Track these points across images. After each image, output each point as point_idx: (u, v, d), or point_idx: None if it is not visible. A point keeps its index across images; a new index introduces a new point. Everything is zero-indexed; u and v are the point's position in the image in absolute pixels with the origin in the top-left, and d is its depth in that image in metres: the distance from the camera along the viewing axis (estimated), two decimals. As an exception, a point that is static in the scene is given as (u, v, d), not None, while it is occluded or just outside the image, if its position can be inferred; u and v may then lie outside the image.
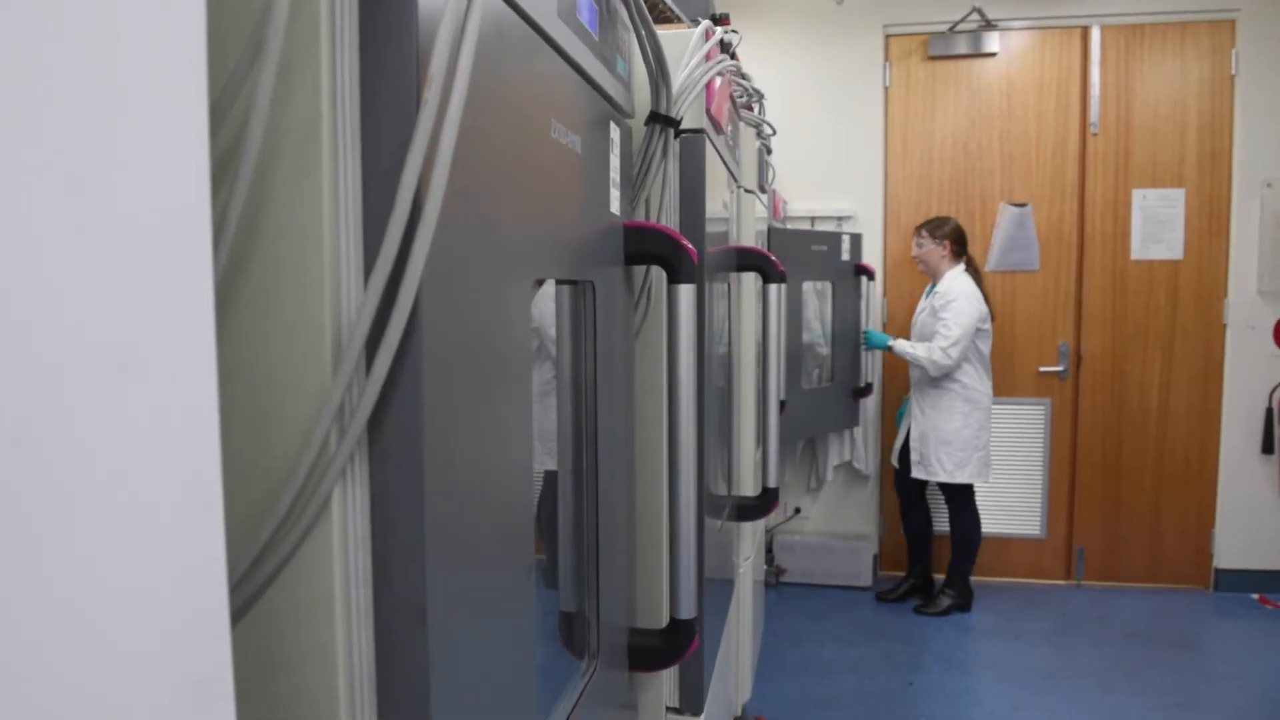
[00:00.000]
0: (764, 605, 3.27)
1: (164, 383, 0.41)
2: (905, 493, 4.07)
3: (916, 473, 3.87)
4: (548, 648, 1.14)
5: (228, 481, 0.62)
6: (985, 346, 3.79)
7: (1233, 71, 3.98)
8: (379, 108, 0.58)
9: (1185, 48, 4.01)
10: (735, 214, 2.00)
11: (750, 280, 2.12)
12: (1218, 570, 4.15)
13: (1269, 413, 4.00)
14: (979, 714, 3.10)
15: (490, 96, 0.69)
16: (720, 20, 2.26)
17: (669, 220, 1.37)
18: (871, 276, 4.15)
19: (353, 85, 0.58)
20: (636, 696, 1.36)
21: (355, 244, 0.59)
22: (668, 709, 1.45)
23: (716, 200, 1.62)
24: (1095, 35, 4.07)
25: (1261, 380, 4.02)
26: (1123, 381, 4.20)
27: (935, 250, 3.83)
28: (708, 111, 1.38)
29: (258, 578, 0.60)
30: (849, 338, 4.07)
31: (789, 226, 4.20)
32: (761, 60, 4.26)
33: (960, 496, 3.89)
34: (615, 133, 1.16)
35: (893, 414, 4.31)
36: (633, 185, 1.28)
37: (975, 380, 3.77)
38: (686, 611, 1.25)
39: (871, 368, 4.32)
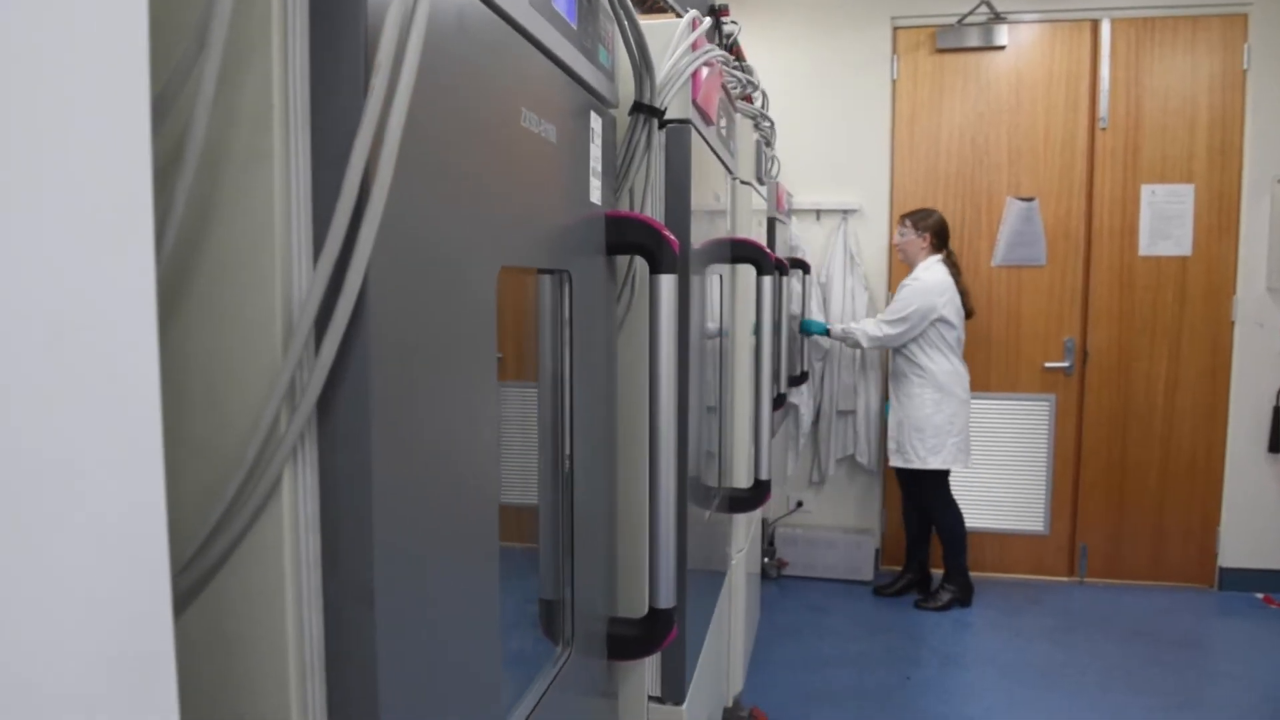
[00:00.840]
0: (760, 598, 3.27)
1: (101, 362, 0.41)
2: (906, 488, 4.07)
3: (894, 461, 3.92)
4: (526, 634, 1.15)
5: (180, 462, 0.63)
6: (952, 337, 3.80)
7: (1244, 66, 3.93)
8: (328, 96, 0.59)
9: (1196, 41, 3.97)
10: (730, 205, 2.00)
11: (746, 272, 2.12)
12: (1222, 569, 4.12)
13: (1276, 411, 3.97)
14: (976, 710, 3.09)
15: (448, 84, 0.69)
16: (719, 11, 2.25)
17: (654, 211, 1.37)
18: (785, 271, 4.05)
19: (303, 74, 0.59)
20: (617, 685, 1.36)
21: (306, 229, 0.60)
22: (650, 698, 1.46)
23: (706, 191, 1.62)
24: (1105, 29, 4.03)
25: (1269, 378, 3.98)
26: (1129, 378, 4.17)
27: (915, 241, 3.86)
28: (694, 102, 1.37)
29: (209, 558, 0.61)
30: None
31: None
32: (768, 52, 4.25)
33: (935, 487, 3.90)
34: (596, 122, 1.16)
35: (896, 408, 4.30)
36: (616, 175, 1.28)
37: (944, 367, 3.79)
38: (665, 601, 1.26)
39: (809, 357, 4.34)
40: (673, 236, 1.21)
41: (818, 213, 4.40)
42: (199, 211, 0.61)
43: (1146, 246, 4.09)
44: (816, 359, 4.36)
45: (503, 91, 0.82)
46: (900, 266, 4.36)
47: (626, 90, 1.29)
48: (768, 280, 2.02)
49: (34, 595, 0.36)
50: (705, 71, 1.39)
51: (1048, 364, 4.23)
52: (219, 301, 0.61)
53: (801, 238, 4.31)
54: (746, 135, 2.16)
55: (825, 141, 4.32)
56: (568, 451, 1.10)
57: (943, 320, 3.76)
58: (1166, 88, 4.01)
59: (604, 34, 1.17)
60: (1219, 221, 4.02)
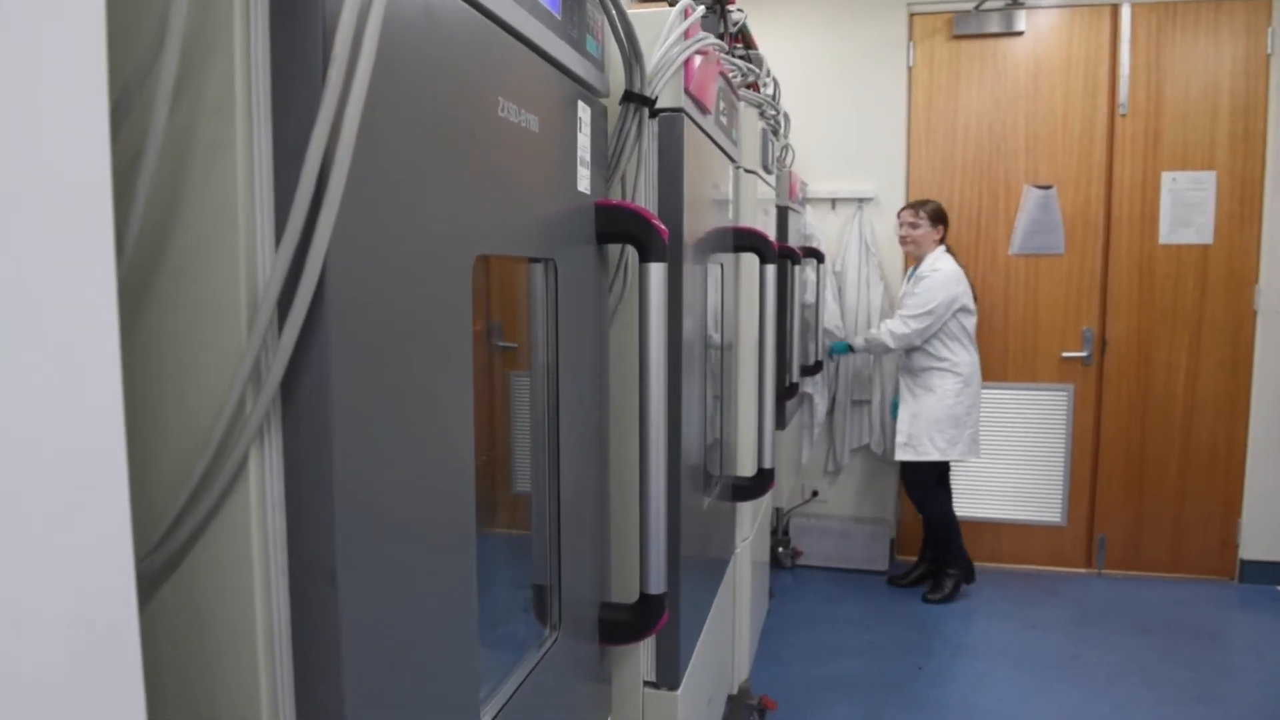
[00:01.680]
0: (773, 587, 3.27)
1: (61, 348, 0.43)
2: (909, 480, 4.03)
3: (903, 455, 3.82)
4: (515, 617, 1.17)
5: (153, 444, 0.65)
6: (971, 325, 3.77)
7: (1268, 50, 3.85)
8: (288, 88, 0.60)
9: (1219, 26, 3.89)
10: (733, 194, 2.00)
11: (750, 261, 2.12)
12: (1243, 561, 4.06)
13: (1299, 401, 3.90)
14: (987, 701, 3.08)
15: (415, 75, 0.71)
16: (725, 0, 2.25)
17: (647, 199, 1.37)
18: (798, 260, 3.88)
19: (264, 67, 0.60)
20: (611, 669, 1.38)
21: (269, 216, 0.61)
22: (645, 683, 1.47)
23: (704, 180, 1.62)
24: (1125, 13, 3.96)
25: (1292, 368, 3.92)
26: (1149, 368, 4.12)
27: (930, 234, 3.80)
28: (687, 90, 1.38)
29: (179, 537, 0.63)
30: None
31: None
32: (783, 41, 4.23)
33: (938, 478, 3.88)
34: (585, 112, 1.17)
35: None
36: (607, 164, 1.29)
37: (965, 358, 3.74)
38: (656, 587, 1.27)
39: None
40: (662, 225, 1.22)
41: (833, 201, 4.38)
42: (166, 200, 0.62)
43: (1167, 234, 4.03)
44: (831, 349, 4.34)
45: (477, 82, 0.83)
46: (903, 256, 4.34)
47: (619, 80, 1.30)
48: (770, 269, 2.02)
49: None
50: (698, 60, 1.39)
51: (1066, 353, 4.19)
52: (188, 288, 0.63)
53: (817, 227, 4.29)
54: (751, 124, 2.15)
55: (841, 130, 4.29)
56: (555, 438, 1.11)
57: (964, 309, 3.73)
58: (1188, 73, 3.94)
59: (592, 24, 1.18)
60: (1241, 209, 3.95)
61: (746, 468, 2.14)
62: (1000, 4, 4.07)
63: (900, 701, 3.08)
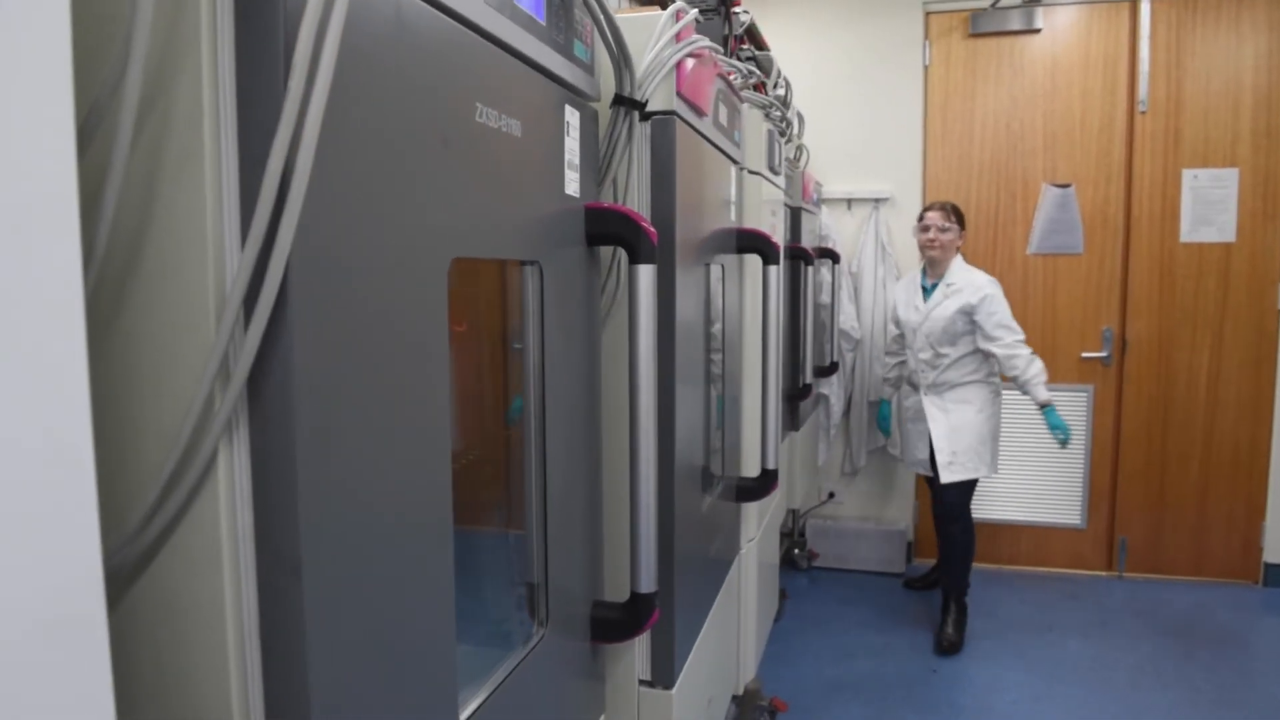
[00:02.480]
0: (778, 588, 3.27)
1: (28, 351, 0.45)
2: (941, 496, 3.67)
3: (950, 475, 3.46)
4: (505, 613, 1.19)
5: (129, 442, 0.67)
6: None
7: (1293, 44, 3.79)
8: (252, 98, 0.62)
9: (1240, 20, 3.83)
10: (736, 196, 2.00)
11: (754, 262, 2.12)
12: (1267, 565, 3.99)
13: (1325, 402, 3.83)
14: (1000, 703, 3.06)
15: (384, 82, 0.72)
16: (730, 2, 2.26)
17: (639, 202, 1.39)
18: (810, 261, 3.54)
19: (230, 79, 0.62)
20: (604, 667, 1.39)
21: (235, 221, 0.63)
22: (640, 681, 1.48)
23: (701, 182, 1.63)
24: (1145, 9, 3.92)
25: (1318, 368, 3.85)
26: (1170, 368, 4.06)
27: (956, 239, 3.49)
28: (679, 93, 1.39)
29: (151, 531, 0.65)
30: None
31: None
32: (797, 41, 4.23)
33: (970, 495, 3.57)
34: (573, 116, 1.18)
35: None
36: (598, 167, 1.30)
37: (993, 367, 3.51)
38: (646, 586, 1.28)
39: (839, 347, 4.19)
40: (651, 227, 1.23)
41: (849, 202, 4.37)
42: (140, 207, 0.65)
43: (1188, 233, 3.98)
44: (848, 349, 4.33)
45: (452, 88, 0.84)
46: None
47: (610, 84, 1.31)
48: (774, 270, 2.03)
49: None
50: (691, 63, 1.40)
51: (1085, 354, 4.15)
52: (162, 290, 0.65)
53: (832, 227, 4.28)
54: (755, 126, 2.16)
55: (856, 130, 4.28)
56: (542, 437, 1.12)
57: None
58: (1209, 68, 3.88)
59: (581, 29, 1.19)
60: (1264, 207, 3.89)
61: (751, 469, 2.15)
62: (1017, 1, 4.03)
63: (913, 703, 3.07)
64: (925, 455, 3.60)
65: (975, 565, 3.78)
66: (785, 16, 4.27)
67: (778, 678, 3.24)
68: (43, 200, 0.45)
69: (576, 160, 1.19)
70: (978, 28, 4.12)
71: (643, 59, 1.31)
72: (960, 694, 3.13)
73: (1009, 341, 3.39)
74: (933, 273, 3.56)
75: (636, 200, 1.39)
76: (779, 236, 2.67)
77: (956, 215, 3.51)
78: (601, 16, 1.17)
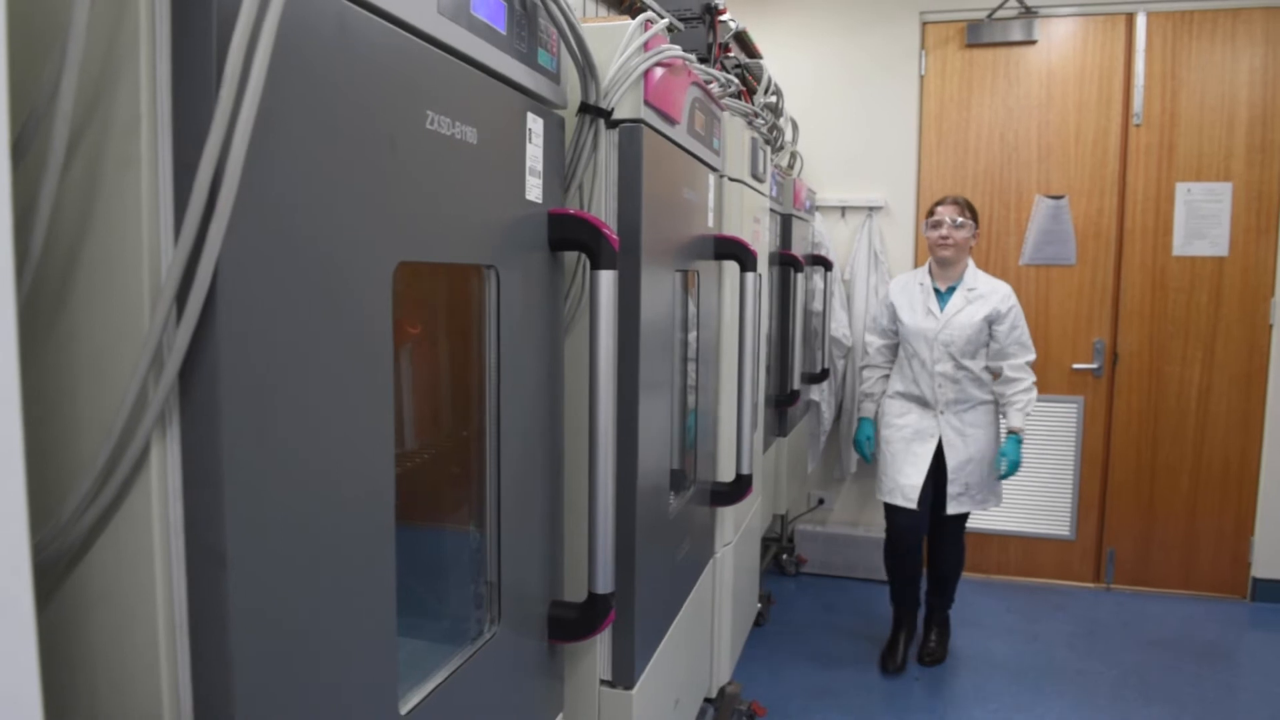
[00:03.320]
0: (758, 592, 3.28)
1: None
2: (923, 533, 3.34)
3: (958, 506, 3.21)
4: (458, 610, 1.21)
5: (68, 435, 0.69)
6: None
7: (1288, 60, 3.80)
8: (186, 107, 0.64)
9: (1236, 35, 3.84)
10: (715, 202, 2.02)
11: (734, 269, 2.14)
12: (1255, 580, 4.00)
13: (1315, 418, 3.83)
14: (980, 713, 3.07)
15: (325, 91, 0.75)
16: (716, 11, 2.28)
17: (605, 208, 1.41)
18: (800, 268, 3.56)
19: (166, 88, 0.65)
20: (565, 666, 1.41)
21: (170, 225, 0.66)
22: (601, 681, 1.50)
23: (673, 188, 1.65)
24: (1141, 22, 3.93)
25: (1309, 384, 3.85)
26: (1160, 381, 4.07)
27: (971, 237, 3.15)
28: (646, 101, 1.41)
29: (84, 523, 0.67)
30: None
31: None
32: (794, 49, 4.26)
33: (966, 518, 3.40)
34: (536, 123, 1.20)
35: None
36: (564, 174, 1.32)
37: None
38: (603, 586, 1.30)
39: (830, 355, 4.17)
40: (612, 233, 1.25)
41: (843, 210, 4.38)
42: (81, 210, 0.67)
43: (1181, 246, 3.99)
44: (839, 356, 4.34)
45: (400, 97, 0.86)
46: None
47: (579, 92, 1.33)
48: (750, 277, 2.04)
49: None
50: (659, 72, 1.42)
51: (1076, 365, 4.15)
52: (103, 289, 0.67)
53: (826, 235, 4.30)
54: (736, 133, 2.18)
55: (851, 138, 4.30)
56: (496, 438, 1.14)
57: None
58: (1204, 82, 3.89)
59: (546, 38, 1.21)
60: (1258, 222, 3.89)
61: (728, 474, 2.16)
62: (1013, 13, 4.05)
63: (893, 711, 3.08)
64: (917, 481, 3.20)
65: (963, 575, 3.77)
66: (783, 24, 4.30)
67: (759, 682, 3.25)
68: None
69: (539, 166, 1.21)
70: (974, 38, 4.13)
71: (609, 67, 1.33)
72: (941, 703, 3.14)
73: (1022, 364, 3.14)
74: (943, 275, 3.21)
75: (604, 206, 1.41)
76: (764, 243, 2.69)
77: (970, 211, 3.17)
78: (566, 26, 1.19)
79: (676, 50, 1.47)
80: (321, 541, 0.77)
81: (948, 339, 3.14)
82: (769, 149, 2.64)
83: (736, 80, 2.03)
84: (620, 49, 1.35)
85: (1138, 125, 3.99)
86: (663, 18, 1.48)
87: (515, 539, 1.19)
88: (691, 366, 1.96)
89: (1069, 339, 4.16)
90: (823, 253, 4.15)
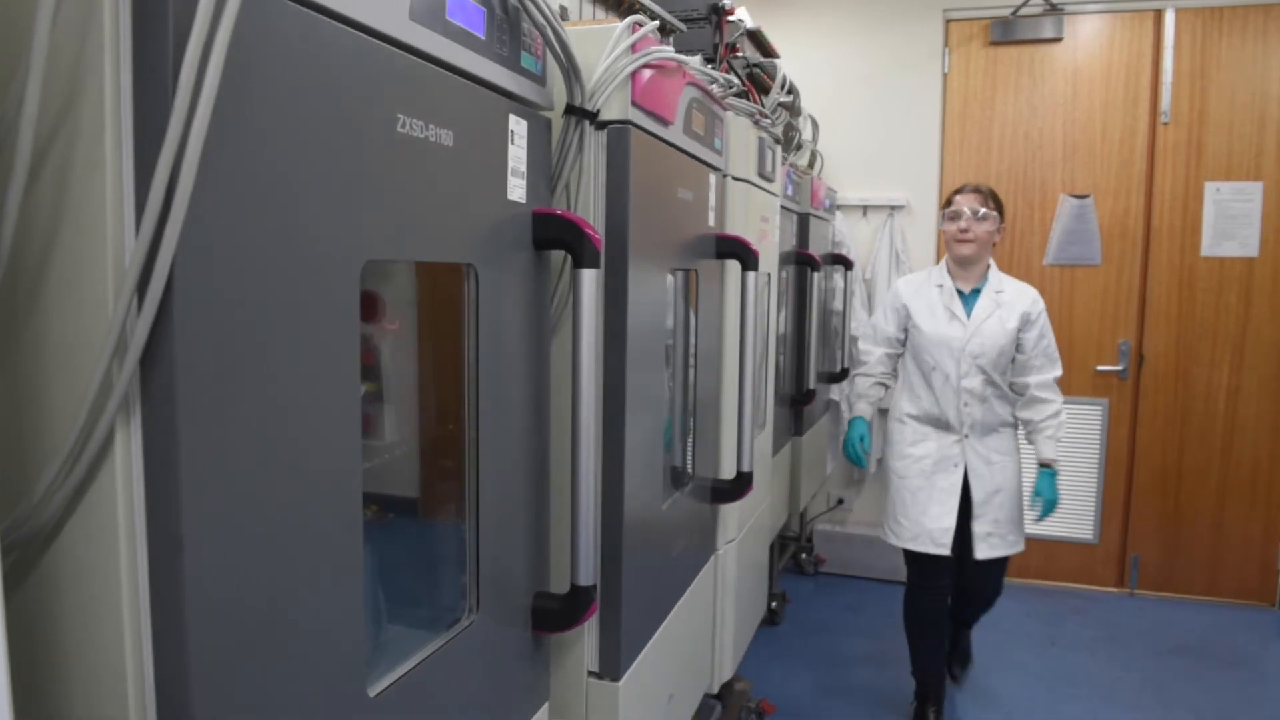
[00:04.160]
0: (767, 590, 3.28)
1: None
2: (953, 584, 2.90)
3: (989, 549, 2.74)
4: (436, 599, 1.24)
5: (38, 421, 0.73)
6: None
7: (1322, 56, 3.71)
8: (146, 114, 0.68)
9: (1268, 31, 3.76)
10: (716, 202, 2.04)
11: (736, 268, 2.15)
12: (1284, 587, 3.92)
13: (1348, 423, 3.74)
14: (994, 715, 3.05)
15: (285, 96, 0.78)
16: (723, 11, 2.29)
17: (593, 208, 1.43)
18: (817, 267, 3.44)
19: (129, 96, 0.68)
20: (551, 656, 1.44)
21: (133, 222, 0.69)
22: (588, 672, 1.53)
23: (666, 188, 1.67)
24: (1169, 18, 3.86)
25: (1342, 388, 3.76)
26: (1187, 383, 4.00)
27: (996, 232, 2.73)
28: (634, 102, 1.43)
29: (53, 504, 0.72)
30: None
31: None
32: (815, 47, 4.25)
33: (1005, 568, 2.93)
34: (519, 125, 1.23)
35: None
36: (550, 174, 1.35)
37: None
38: (585, 579, 1.33)
39: (849, 354, 4.05)
40: (595, 232, 1.27)
41: (864, 209, 4.37)
42: (53, 208, 0.71)
43: (1209, 247, 3.91)
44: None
45: (368, 103, 0.90)
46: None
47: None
48: (751, 276, 2.06)
49: None
50: (648, 73, 1.44)
51: (1100, 367, 4.10)
52: (74, 283, 0.71)
53: (848, 234, 4.28)
54: (741, 133, 2.19)
55: (873, 137, 4.28)
56: (475, 432, 1.18)
57: None
58: (1234, 79, 3.82)
59: (531, 42, 1.24)
60: (1290, 221, 3.81)
61: (729, 471, 2.18)
62: (1038, 10, 4.00)
63: (904, 713, 3.06)
64: (948, 522, 2.74)
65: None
66: (804, 23, 4.29)
67: (771, 681, 3.26)
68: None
69: (523, 167, 1.24)
70: (998, 36, 4.09)
71: (595, 70, 1.35)
72: (952, 705, 3.12)
73: (1051, 381, 2.74)
74: (965, 276, 2.77)
75: (592, 206, 1.44)
76: (774, 242, 2.69)
77: (995, 200, 2.73)
78: (548, 29, 1.22)
79: (667, 52, 1.49)
80: (284, 527, 0.81)
81: (977, 349, 2.69)
82: (779, 148, 2.65)
83: (738, 81, 2.04)
84: (606, 52, 1.37)
85: (1165, 123, 3.92)
86: (655, 19, 1.50)
87: (495, 531, 1.22)
88: (692, 364, 1.98)
89: (1093, 340, 4.10)
90: (843, 252, 4.14)
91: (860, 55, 4.27)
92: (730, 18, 2.34)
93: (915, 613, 2.93)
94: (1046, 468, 2.78)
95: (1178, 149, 3.92)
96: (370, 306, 1.29)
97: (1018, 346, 2.73)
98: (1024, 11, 4.01)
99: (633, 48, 1.41)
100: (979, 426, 2.74)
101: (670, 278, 1.80)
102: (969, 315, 2.73)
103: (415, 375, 1.28)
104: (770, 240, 2.61)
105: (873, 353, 2.96)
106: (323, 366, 0.85)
